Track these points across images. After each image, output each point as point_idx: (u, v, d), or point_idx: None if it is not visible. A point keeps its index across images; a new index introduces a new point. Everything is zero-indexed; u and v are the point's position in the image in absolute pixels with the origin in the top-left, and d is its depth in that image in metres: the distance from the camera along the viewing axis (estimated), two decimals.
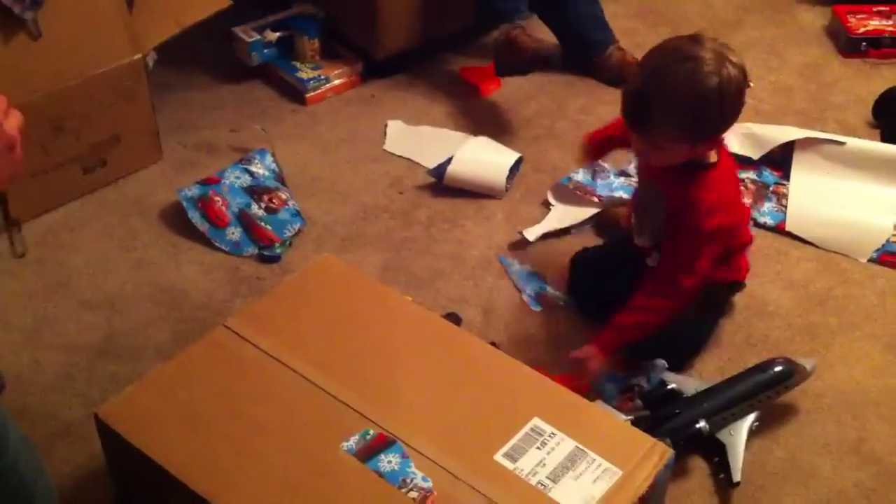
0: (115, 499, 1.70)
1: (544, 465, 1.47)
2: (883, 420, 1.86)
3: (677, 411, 1.76)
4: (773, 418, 1.84)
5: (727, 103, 1.66)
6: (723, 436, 1.75)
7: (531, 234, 2.28)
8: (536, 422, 1.54)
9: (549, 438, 1.51)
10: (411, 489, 1.43)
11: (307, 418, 1.55)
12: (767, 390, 1.80)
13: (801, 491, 1.74)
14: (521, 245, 2.26)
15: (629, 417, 1.75)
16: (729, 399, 1.77)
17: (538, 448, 1.50)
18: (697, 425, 1.73)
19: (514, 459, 1.48)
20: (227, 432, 1.53)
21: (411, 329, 1.74)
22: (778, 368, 1.81)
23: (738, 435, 1.74)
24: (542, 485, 1.44)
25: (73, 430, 1.80)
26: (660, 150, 1.74)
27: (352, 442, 1.50)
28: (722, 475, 1.73)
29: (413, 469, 1.46)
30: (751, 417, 1.77)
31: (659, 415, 1.76)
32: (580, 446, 1.50)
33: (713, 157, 1.79)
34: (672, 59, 1.66)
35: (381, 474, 1.45)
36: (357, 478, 1.46)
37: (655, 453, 1.51)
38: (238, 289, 2.13)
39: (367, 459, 1.48)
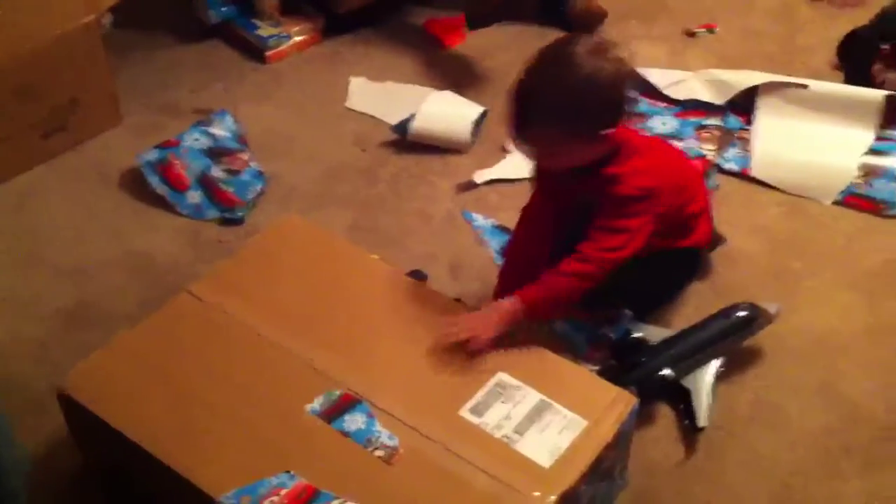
0: (84, 466, 1.69)
1: (510, 418, 1.48)
2: (848, 361, 1.87)
3: (643, 360, 1.77)
4: (739, 363, 1.85)
5: (601, 96, 1.61)
6: (688, 382, 1.75)
7: (480, 177, 2.27)
8: (501, 376, 1.54)
9: (514, 392, 1.51)
10: (377, 448, 1.43)
11: (272, 380, 1.55)
12: (732, 335, 1.81)
13: (768, 434, 1.75)
14: (483, 201, 2.24)
15: (595, 368, 1.76)
16: (693, 345, 1.78)
17: (503, 402, 1.50)
18: (662, 373, 1.74)
19: (479, 414, 1.48)
20: (191, 397, 1.52)
21: (376, 287, 1.72)
22: (742, 313, 1.82)
23: (703, 381, 1.75)
24: (508, 438, 1.45)
25: (46, 400, 1.78)
26: (556, 154, 1.70)
27: (317, 403, 1.50)
28: (687, 421, 1.74)
29: (379, 428, 1.46)
30: (716, 363, 1.78)
31: (625, 364, 1.77)
32: (545, 398, 1.50)
33: (619, 147, 1.71)
34: (546, 60, 1.66)
35: (346, 434, 1.45)
36: (323, 438, 1.45)
37: (620, 402, 1.51)
38: (201, 253, 2.12)
39: (332, 420, 1.47)
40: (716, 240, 2.02)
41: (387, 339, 1.62)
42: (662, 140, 2.04)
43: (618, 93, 1.64)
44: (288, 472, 1.40)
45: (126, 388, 1.54)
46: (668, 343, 1.79)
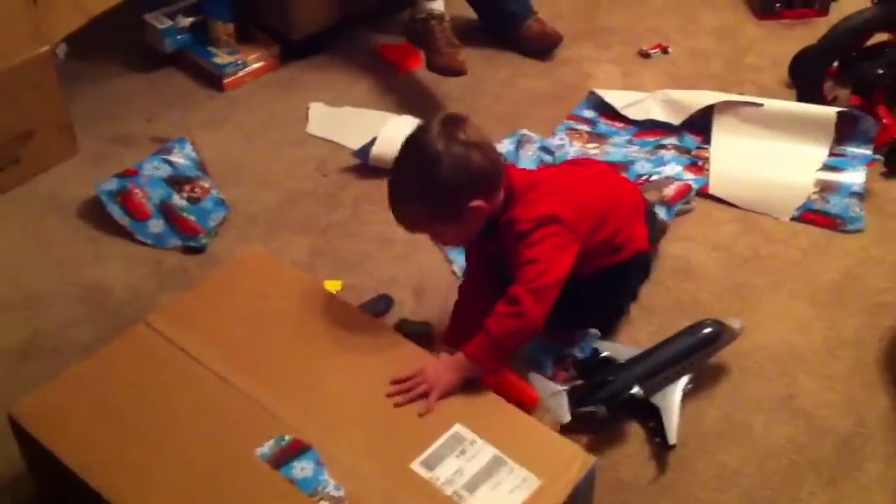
0: (37, 497, 1.66)
1: (462, 473, 1.44)
2: (809, 375, 1.90)
3: (611, 378, 1.77)
4: (706, 380, 1.87)
5: (449, 177, 1.64)
6: (657, 399, 1.76)
7: None
8: (458, 428, 1.50)
9: (469, 446, 1.48)
10: (322, 497, 1.40)
11: (223, 421, 1.52)
12: (698, 352, 1.83)
13: (735, 449, 1.76)
14: None
15: (564, 388, 1.77)
16: (661, 363, 1.79)
17: (457, 456, 1.46)
18: (631, 391, 1.75)
19: (431, 468, 1.45)
20: (140, 433, 1.49)
21: (337, 328, 1.69)
22: (707, 330, 1.84)
23: (672, 398, 1.77)
24: (458, 495, 1.41)
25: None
26: (439, 235, 1.79)
27: (266, 447, 1.47)
28: (658, 438, 1.75)
29: (326, 477, 1.42)
30: (684, 380, 1.80)
31: (593, 383, 1.78)
32: (500, 454, 1.46)
33: (509, 194, 1.75)
34: (403, 150, 1.72)
35: (293, 481, 1.42)
36: (269, 485, 1.42)
37: (577, 461, 1.48)
38: (164, 282, 2.09)
39: (280, 465, 1.44)
40: (660, 229, 2.04)
41: (344, 382, 1.59)
42: (568, 167, 2.07)
43: (466, 172, 1.65)
44: None
45: (74, 420, 1.51)
46: (635, 361, 1.80)
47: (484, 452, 1.47)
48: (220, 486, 1.43)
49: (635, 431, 1.79)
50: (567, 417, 1.72)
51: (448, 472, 1.44)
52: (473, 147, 1.66)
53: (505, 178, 1.74)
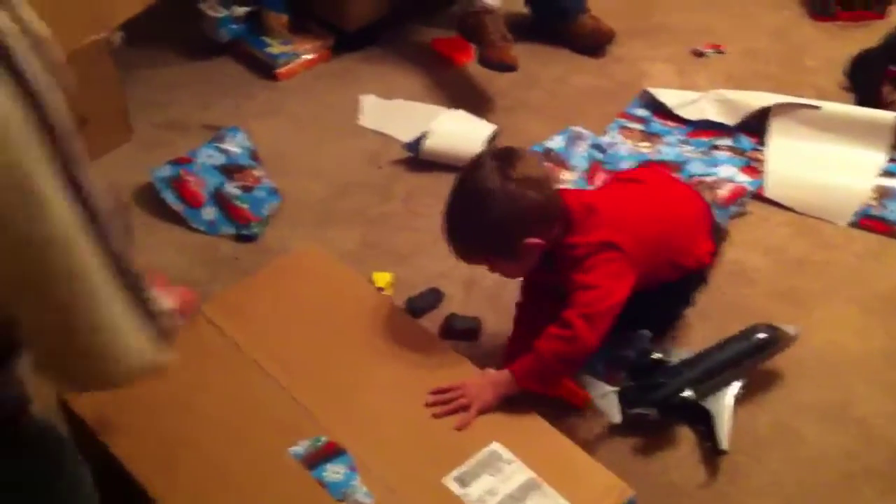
0: None
1: (494, 493, 1.41)
2: (865, 383, 1.87)
3: (662, 381, 1.76)
4: (758, 385, 1.85)
5: (514, 219, 1.62)
6: (708, 404, 1.75)
7: None
8: (495, 446, 1.47)
9: (504, 465, 1.45)
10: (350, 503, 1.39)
11: (261, 415, 1.52)
12: (752, 357, 1.81)
13: (787, 456, 1.74)
14: None
15: (615, 389, 1.75)
16: (714, 367, 1.78)
17: (491, 475, 1.43)
18: (683, 394, 1.73)
19: (464, 484, 1.42)
20: (177, 421, 1.50)
21: (385, 333, 1.68)
22: (761, 335, 1.82)
23: (724, 402, 1.74)
24: None
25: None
26: (496, 267, 1.75)
27: (301, 447, 1.46)
28: (709, 443, 1.73)
29: (357, 483, 1.41)
30: (736, 385, 1.77)
31: (645, 385, 1.77)
32: (535, 477, 1.43)
33: (567, 221, 1.70)
34: (455, 191, 1.70)
35: (323, 484, 1.41)
36: (298, 485, 1.41)
37: (614, 492, 1.44)
38: (216, 269, 2.10)
39: (313, 467, 1.44)
40: (721, 236, 1.99)
41: (385, 389, 1.58)
42: (626, 184, 1.94)
43: (521, 210, 1.62)
44: None
45: (117, 402, 1.50)
46: (687, 364, 1.79)
47: (520, 474, 1.44)
48: (249, 480, 1.42)
49: (686, 435, 1.78)
50: (618, 418, 1.71)
51: (480, 491, 1.42)
52: (528, 183, 1.63)
53: (561, 205, 1.70)
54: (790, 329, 1.85)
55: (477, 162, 1.70)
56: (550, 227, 1.68)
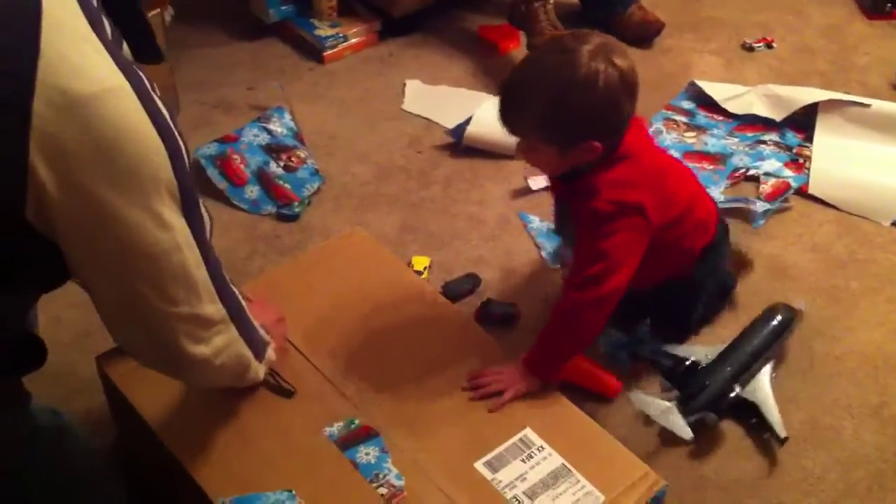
0: (115, 441, 1.71)
1: (525, 479, 1.41)
2: None
3: (707, 382, 1.73)
4: (794, 381, 1.84)
5: (590, 99, 1.47)
6: (748, 394, 1.73)
7: (535, 183, 2.27)
8: (527, 432, 1.48)
9: (536, 452, 1.45)
10: (382, 485, 1.39)
11: (298, 395, 1.53)
12: (777, 339, 1.81)
13: (821, 454, 1.73)
14: (539, 205, 2.24)
15: (672, 404, 1.69)
16: (749, 357, 1.77)
17: (523, 461, 1.44)
18: (732, 393, 1.72)
19: (494, 469, 1.43)
20: (213, 398, 1.50)
21: (425, 319, 1.68)
22: (780, 316, 1.84)
23: (764, 390, 1.73)
24: (517, 499, 1.39)
25: (91, 386, 1.80)
26: (533, 151, 1.59)
27: (335, 428, 1.47)
28: (767, 435, 1.71)
29: (389, 465, 1.42)
30: (767, 369, 1.77)
31: (691, 391, 1.73)
32: (567, 465, 1.43)
33: (606, 162, 1.58)
34: (547, 51, 1.55)
35: (356, 465, 1.42)
36: (331, 464, 1.42)
37: (646, 482, 1.43)
38: (256, 247, 2.13)
39: (346, 448, 1.44)
40: (738, 261, 1.98)
41: (420, 373, 1.58)
42: (675, 162, 1.89)
43: (610, 101, 1.49)
44: (290, 490, 1.38)
45: (156, 375, 1.54)
46: (723, 360, 1.77)
47: (551, 460, 1.44)
48: (285, 460, 1.43)
49: (722, 427, 1.76)
50: (689, 434, 1.66)
51: (511, 476, 1.42)
52: (625, 83, 1.48)
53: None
54: (799, 304, 1.87)
55: (578, 36, 1.52)
56: (612, 140, 1.54)
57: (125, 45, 1.06)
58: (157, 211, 1.01)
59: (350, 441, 1.46)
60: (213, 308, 1.16)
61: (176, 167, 1.01)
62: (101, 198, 0.97)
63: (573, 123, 1.50)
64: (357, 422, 1.48)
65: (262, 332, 1.36)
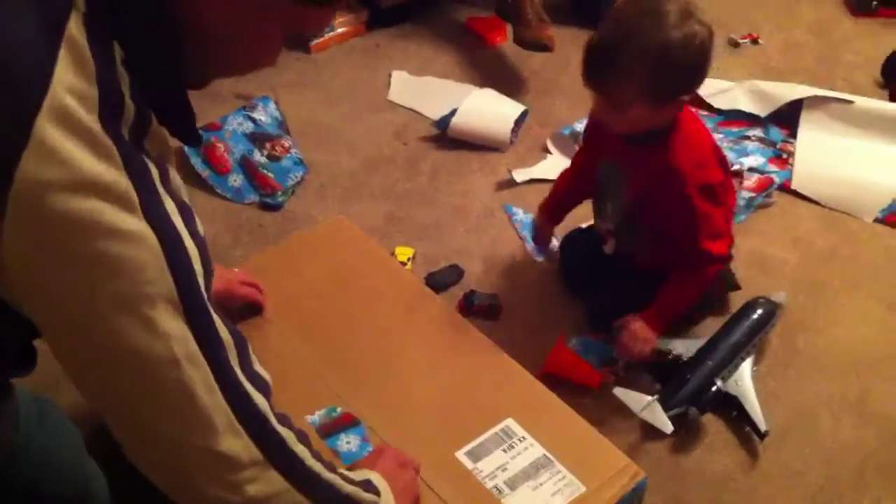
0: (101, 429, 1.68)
1: (505, 469, 1.41)
2: (885, 379, 1.86)
3: (689, 376, 1.74)
4: (774, 375, 1.84)
5: (691, 59, 1.58)
6: (730, 388, 1.74)
7: (520, 175, 2.27)
8: (509, 423, 1.47)
9: (517, 442, 1.45)
10: None
11: (281, 382, 1.50)
12: (758, 332, 1.81)
13: (802, 448, 1.73)
14: (524, 197, 2.24)
15: (654, 398, 1.69)
16: (730, 350, 1.77)
17: (504, 451, 1.43)
18: (714, 387, 1.72)
19: (476, 458, 1.42)
20: None
21: (408, 308, 1.68)
22: (761, 310, 1.84)
23: (745, 384, 1.74)
24: (497, 489, 1.38)
25: None
26: (621, 111, 1.63)
27: (317, 415, 1.47)
28: (748, 428, 1.72)
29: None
30: (748, 362, 1.78)
31: (673, 385, 1.74)
32: (548, 455, 1.43)
33: (674, 123, 1.69)
34: (637, 11, 1.59)
35: (336, 453, 1.42)
36: None
37: (626, 474, 1.43)
38: (239, 236, 2.12)
39: (327, 436, 1.44)
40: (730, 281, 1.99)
41: (404, 363, 1.57)
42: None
43: (704, 59, 1.60)
44: None
45: None
46: (705, 354, 1.77)
47: (532, 451, 1.44)
48: None
49: (702, 421, 1.77)
50: (670, 427, 1.66)
51: (492, 466, 1.42)
52: (711, 39, 1.60)
53: None
54: (779, 297, 1.88)
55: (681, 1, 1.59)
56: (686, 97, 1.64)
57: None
58: (146, 316, 0.84)
59: (332, 429, 1.45)
60: (237, 444, 0.93)
61: (178, 275, 0.86)
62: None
63: (674, 81, 1.59)
64: (339, 410, 1.48)
65: (359, 491, 1.12)
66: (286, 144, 2.28)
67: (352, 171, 2.31)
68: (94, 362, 0.87)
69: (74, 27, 0.79)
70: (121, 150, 0.81)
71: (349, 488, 1.10)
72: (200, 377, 0.89)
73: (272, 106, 2.37)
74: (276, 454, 0.99)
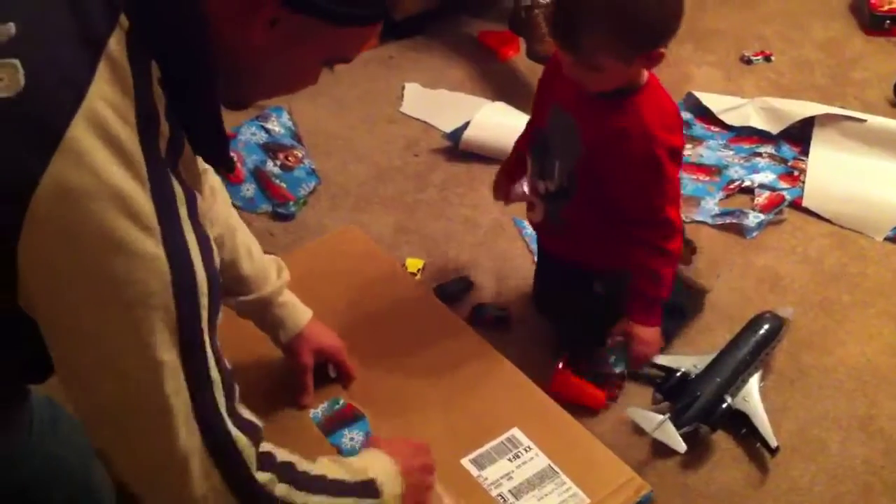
0: None
1: (511, 478, 1.40)
2: (893, 397, 1.85)
3: (698, 394, 1.73)
4: (783, 392, 1.84)
5: (664, 7, 1.46)
6: (738, 404, 1.74)
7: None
8: (515, 432, 1.46)
9: (523, 451, 1.44)
10: None
11: (288, 389, 1.51)
12: (766, 347, 1.81)
13: (808, 465, 1.73)
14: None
15: (665, 417, 1.69)
16: (738, 366, 1.77)
17: (509, 460, 1.42)
18: (724, 404, 1.72)
19: (481, 466, 1.41)
20: None
21: (417, 318, 1.68)
22: (769, 325, 1.84)
23: (753, 400, 1.74)
24: (501, 497, 1.37)
25: None
26: (595, 70, 1.51)
27: (320, 410, 1.47)
28: (758, 444, 1.72)
29: None
30: (756, 378, 1.78)
31: (682, 404, 1.73)
32: (553, 466, 1.42)
33: (643, 79, 1.59)
34: None
35: (340, 450, 1.41)
36: (314, 449, 1.36)
37: (631, 487, 1.42)
38: None
39: (331, 433, 1.44)
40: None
41: (411, 371, 1.57)
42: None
43: (679, 12, 1.48)
44: None
45: None
46: (713, 370, 1.77)
47: (537, 461, 1.43)
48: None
49: (706, 438, 1.77)
50: (683, 447, 1.66)
51: (497, 475, 1.41)
52: None
53: None
54: (786, 312, 1.88)
55: None
56: (663, 51, 1.51)
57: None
58: (144, 341, 0.84)
59: (335, 424, 1.46)
60: (207, 487, 0.93)
61: (182, 307, 0.85)
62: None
63: (643, 32, 1.47)
64: (341, 401, 1.48)
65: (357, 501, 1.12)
66: (299, 155, 2.30)
67: (363, 182, 2.33)
68: (82, 369, 0.87)
69: (115, 43, 0.80)
70: (151, 169, 0.81)
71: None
72: (183, 411, 0.89)
73: (285, 116, 2.39)
74: (252, 501, 0.98)
